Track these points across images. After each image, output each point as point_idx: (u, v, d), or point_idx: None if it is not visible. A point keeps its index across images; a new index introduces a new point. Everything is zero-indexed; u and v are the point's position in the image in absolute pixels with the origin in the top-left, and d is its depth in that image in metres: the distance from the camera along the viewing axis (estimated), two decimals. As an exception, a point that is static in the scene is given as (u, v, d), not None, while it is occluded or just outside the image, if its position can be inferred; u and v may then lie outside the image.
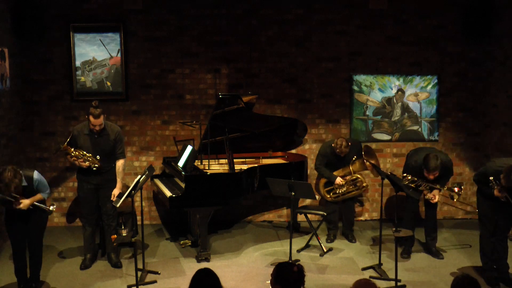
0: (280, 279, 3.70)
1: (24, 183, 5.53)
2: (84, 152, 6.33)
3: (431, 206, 6.73)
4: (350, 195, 7.29)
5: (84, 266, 6.50)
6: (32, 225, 5.73)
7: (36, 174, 5.71)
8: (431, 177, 6.36)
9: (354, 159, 7.17)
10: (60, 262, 6.71)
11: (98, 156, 6.36)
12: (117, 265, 6.51)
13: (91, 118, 6.30)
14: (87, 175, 6.41)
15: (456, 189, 6.48)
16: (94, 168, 6.35)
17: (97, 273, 6.35)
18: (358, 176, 7.22)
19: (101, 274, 6.32)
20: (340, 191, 7.25)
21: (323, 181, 7.47)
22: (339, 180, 7.20)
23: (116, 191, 6.42)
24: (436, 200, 6.56)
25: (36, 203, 5.65)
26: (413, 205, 6.75)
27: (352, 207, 7.53)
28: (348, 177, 7.21)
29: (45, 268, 6.19)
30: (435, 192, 6.53)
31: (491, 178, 5.58)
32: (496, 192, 5.60)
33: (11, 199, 5.47)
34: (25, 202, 5.55)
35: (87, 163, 6.31)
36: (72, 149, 6.28)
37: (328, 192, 7.34)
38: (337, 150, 7.07)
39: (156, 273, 6.28)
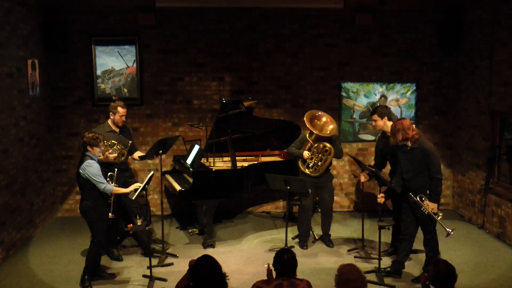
0: (276, 264, 3.80)
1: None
2: (113, 141, 6.10)
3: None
4: (327, 163, 6.49)
5: (115, 257, 6.21)
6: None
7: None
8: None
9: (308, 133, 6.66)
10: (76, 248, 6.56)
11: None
12: (118, 258, 6.22)
13: (119, 109, 6.17)
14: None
15: None
16: (120, 160, 6.08)
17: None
18: (320, 144, 6.53)
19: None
20: (314, 162, 6.54)
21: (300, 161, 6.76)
22: (306, 153, 6.56)
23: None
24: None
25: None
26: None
27: (330, 213, 6.83)
28: (313, 148, 6.56)
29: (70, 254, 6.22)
30: None
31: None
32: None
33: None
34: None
35: (114, 154, 6.04)
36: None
37: (307, 167, 6.59)
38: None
39: (175, 255, 6.28)
